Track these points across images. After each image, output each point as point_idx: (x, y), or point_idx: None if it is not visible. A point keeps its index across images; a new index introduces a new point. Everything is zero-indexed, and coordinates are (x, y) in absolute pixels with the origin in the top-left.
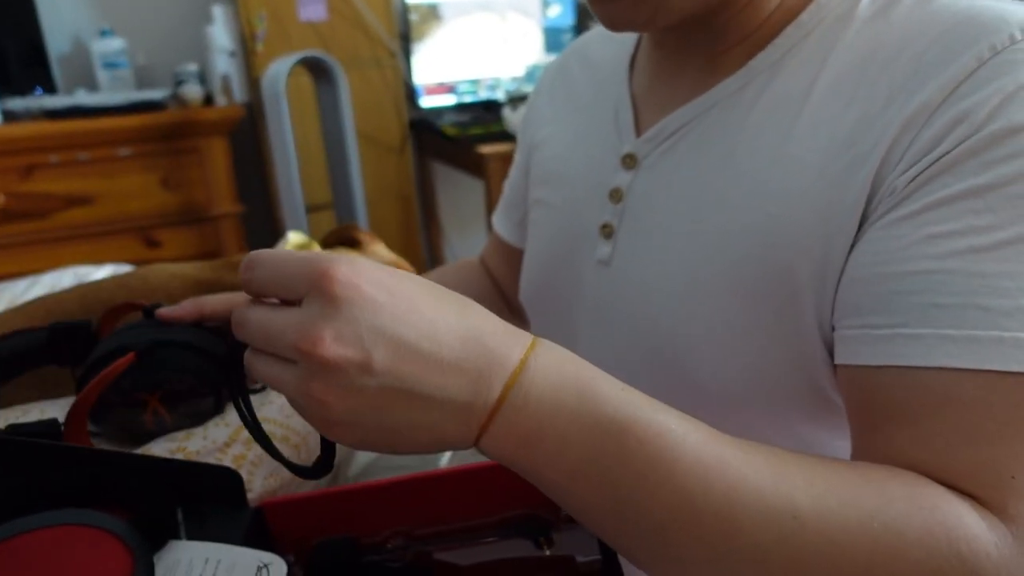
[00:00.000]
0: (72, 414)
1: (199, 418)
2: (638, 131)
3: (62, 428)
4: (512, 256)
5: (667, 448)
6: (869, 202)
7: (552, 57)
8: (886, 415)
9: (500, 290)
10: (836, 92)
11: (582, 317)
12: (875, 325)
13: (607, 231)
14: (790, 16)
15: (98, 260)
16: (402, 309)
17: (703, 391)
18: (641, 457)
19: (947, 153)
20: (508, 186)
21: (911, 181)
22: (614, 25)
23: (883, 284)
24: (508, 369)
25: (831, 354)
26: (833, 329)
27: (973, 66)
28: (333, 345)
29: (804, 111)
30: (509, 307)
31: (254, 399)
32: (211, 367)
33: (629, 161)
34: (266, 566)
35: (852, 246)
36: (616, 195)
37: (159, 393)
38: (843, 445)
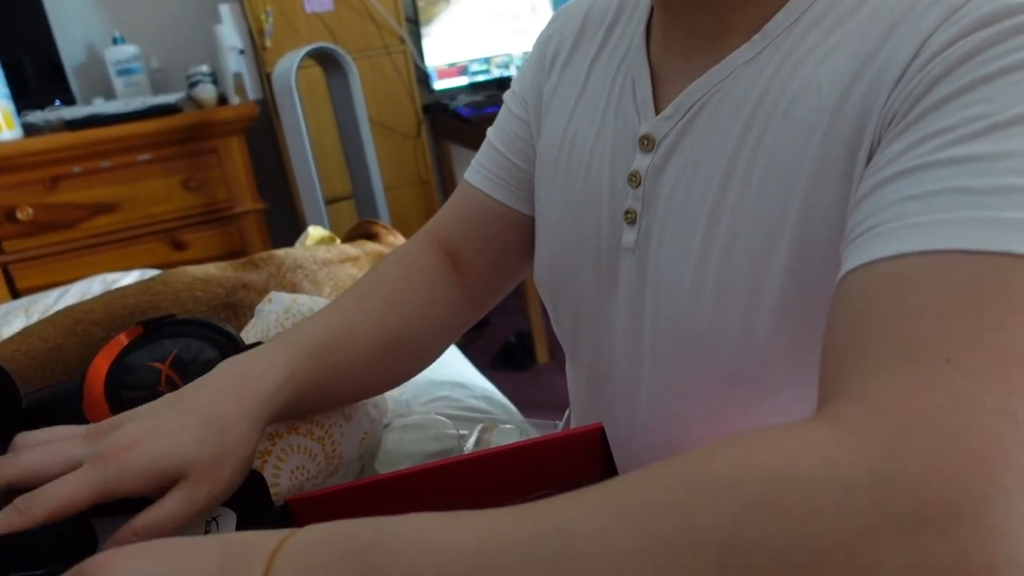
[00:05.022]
0: (88, 386)
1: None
2: (657, 107)
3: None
4: (493, 214)
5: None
6: (871, 145)
7: None
8: (832, 319)
9: (458, 274)
10: (841, 46)
11: (611, 306)
12: (855, 236)
13: (630, 217)
14: None
15: (127, 265)
16: (157, 555)
17: (737, 378)
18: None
19: (937, 67)
20: (500, 140)
21: (906, 100)
22: None
23: (868, 198)
24: (268, 550)
25: None
26: None
27: None
28: None
29: (812, 73)
30: (466, 289)
31: None
32: (211, 330)
33: (646, 143)
34: (215, 519)
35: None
36: (635, 179)
37: (169, 359)
38: None
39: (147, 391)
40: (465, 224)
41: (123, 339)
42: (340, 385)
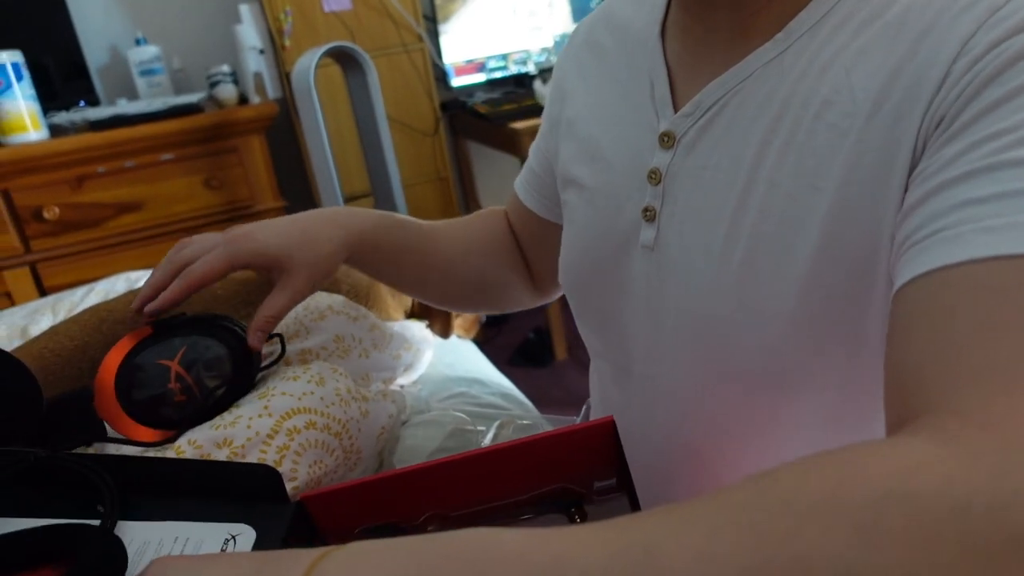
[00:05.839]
0: (98, 384)
1: (218, 373)
2: (675, 106)
3: (92, 395)
4: (537, 226)
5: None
6: (915, 150)
7: None
8: (905, 329)
9: (520, 248)
10: (871, 48)
11: (631, 305)
12: (916, 241)
13: (649, 215)
14: None
15: (151, 263)
16: (206, 562)
17: (755, 380)
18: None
19: (986, 68)
20: (534, 156)
21: (954, 103)
22: None
23: (926, 203)
24: (314, 553)
25: None
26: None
27: None
28: None
29: (840, 74)
30: (529, 268)
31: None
32: (220, 328)
33: (667, 140)
34: (234, 537)
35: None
36: (655, 176)
37: (179, 357)
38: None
39: (157, 389)
40: (518, 224)
41: (132, 338)
42: (407, 263)
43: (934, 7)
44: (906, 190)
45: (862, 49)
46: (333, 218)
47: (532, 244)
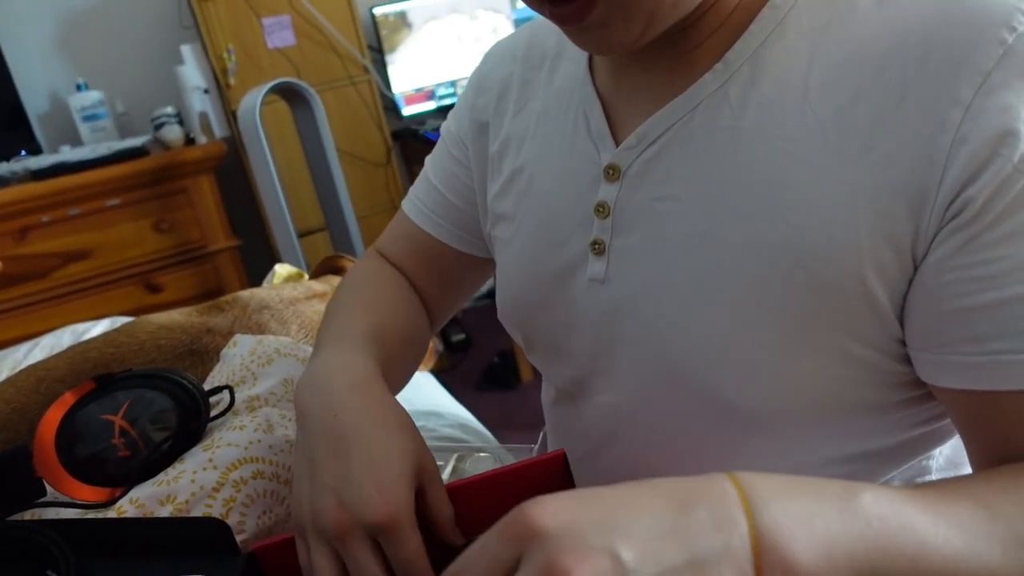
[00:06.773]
0: (38, 442)
1: (164, 426)
2: (615, 138)
3: (31, 454)
4: (437, 253)
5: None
6: (926, 213)
7: None
8: None
9: (415, 288)
10: (836, 85)
11: (581, 338)
12: (1004, 351)
13: (598, 248)
14: (762, 1)
15: (103, 312)
16: (604, 503)
17: (729, 409)
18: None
19: (1017, 180)
20: (444, 184)
21: (992, 196)
22: (601, 51)
23: (1001, 310)
24: (731, 495)
25: (890, 366)
26: (904, 344)
27: (998, 52)
28: (580, 567)
29: (803, 108)
30: (427, 310)
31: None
32: (164, 380)
33: (612, 173)
34: None
35: (917, 264)
36: (603, 210)
37: (122, 411)
38: (868, 468)
39: (101, 444)
40: (411, 258)
41: (74, 394)
42: (404, 360)
43: (911, 52)
44: (914, 241)
45: (824, 82)
46: (359, 389)
47: (432, 278)
